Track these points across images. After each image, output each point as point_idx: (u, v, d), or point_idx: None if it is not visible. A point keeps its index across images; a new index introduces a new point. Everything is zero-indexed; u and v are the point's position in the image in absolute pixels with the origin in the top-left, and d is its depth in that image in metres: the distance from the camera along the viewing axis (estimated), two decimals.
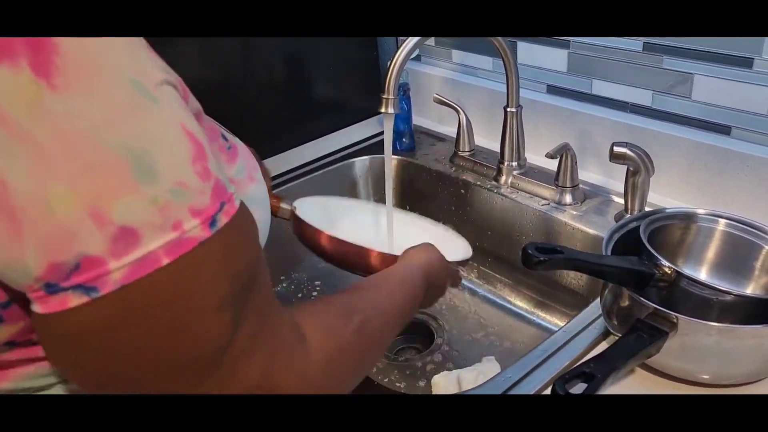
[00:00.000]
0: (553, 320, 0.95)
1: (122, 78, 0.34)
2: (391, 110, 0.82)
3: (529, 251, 0.60)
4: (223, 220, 0.37)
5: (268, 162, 1.14)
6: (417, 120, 1.26)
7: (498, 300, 1.01)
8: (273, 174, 1.08)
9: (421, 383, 0.87)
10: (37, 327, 0.37)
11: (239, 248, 0.40)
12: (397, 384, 0.87)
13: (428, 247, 0.69)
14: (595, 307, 0.73)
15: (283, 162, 1.13)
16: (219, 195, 0.38)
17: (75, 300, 0.34)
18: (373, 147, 1.18)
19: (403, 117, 1.13)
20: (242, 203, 0.41)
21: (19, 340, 0.40)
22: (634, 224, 0.71)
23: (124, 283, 0.34)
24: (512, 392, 0.64)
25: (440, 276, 0.67)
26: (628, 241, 0.70)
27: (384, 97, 0.82)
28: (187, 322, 0.37)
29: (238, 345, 0.39)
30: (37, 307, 0.35)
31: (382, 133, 1.22)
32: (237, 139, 0.59)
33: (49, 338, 0.37)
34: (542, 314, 0.96)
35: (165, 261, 0.35)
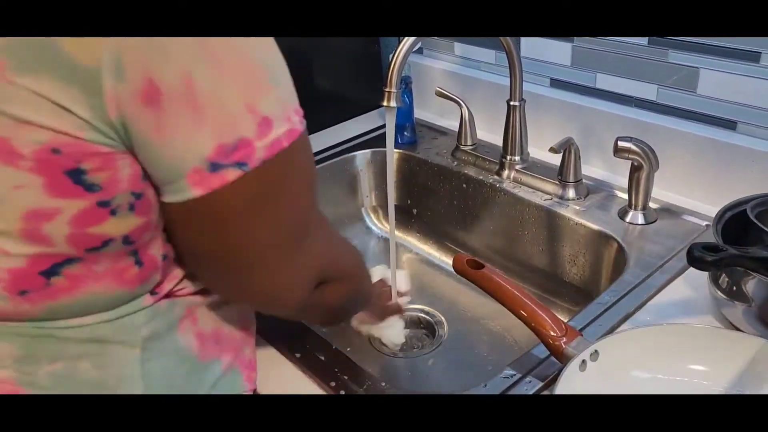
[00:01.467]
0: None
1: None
2: (393, 104, 0.82)
3: (697, 253, 0.58)
4: (305, 122, 0.50)
5: None
6: (419, 113, 1.25)
7: None
8: None
9: (423, 379, 0.87)
10: (184, 214, 0.47)
11: (310, 146, 0.52)
12: (398, 379, 0.87)
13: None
14: (598, 304, 0.73)
15: None
16: (298, 104, 0.50)
17: (232, 175, 0.44)
18: (375, 140, 1.17)
19: (405, 111, 1.12)
20: None
21: (134, 237, 0.47)
22: (729, 213, 0.70)
23: (265, 158, 0.45)
24: (514, 389, 0.63)
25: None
26: (729, 229, 0.69)
27: (387, 90, 0.82)
28: (299, 194, 0.51)
29: (314, 219, 0.54)
30: (193, 192, 0.44)
31: (383, 126, 1.22)
32: None
33: (203, 218, 0.47)
34: None
35: (285, 144, 0.46)
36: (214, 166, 0.44)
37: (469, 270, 0.70)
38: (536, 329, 0.64)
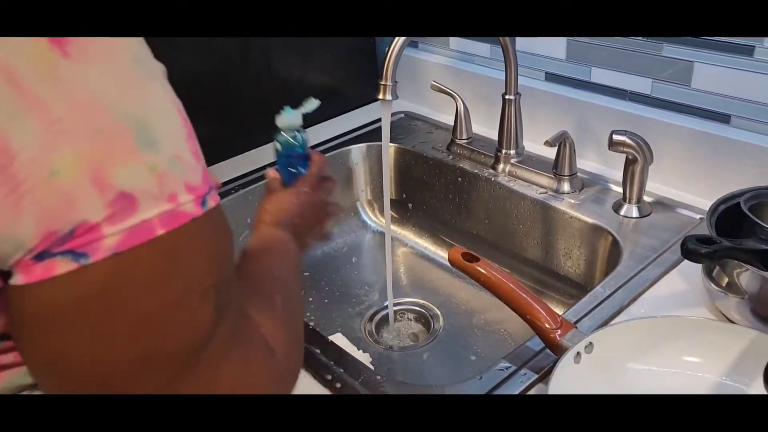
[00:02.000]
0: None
1: (130, 54, 0.35)
2: (389, 97, 0.82)
3: (691, 245, 0.58)
4: (211, 203, 0.38)
5: (265, 148, 1.13)
6: (414, 107, 1.25)
7: None
8: (270, 161, 1.08)
9: (418, 373, 0.87)
10: (13, 302, 0.35)
11: (223, 236, 0.40)
12: (395, 373, 0.87)
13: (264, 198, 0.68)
14: (592, 296, 0.73)
15: None
16: (207, 179, 0.38)
17: (62, 267, 0.33)
18: (370, 135, 1.17)
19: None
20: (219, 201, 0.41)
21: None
22: (723, 206, 0.71)
23: (117, 250, 0.33)
24: (509, 381, 0.63)
25: (290, 216, 0.66)
26: (723, 221, 0.70)
27: (382, 83, 0.82)
28: (174, 304, 0.36)
29: (219, 340, 0.39)
30: (18, 279, 0.33)
31: (379, 120, 1.21)
32: None
33: (24, 315, 0.35)
34: None
35: (160, 231, 0.34)
36: (39, 255, 0.33)
37: (465, 263, 0.71)
38: (531, 322, 0.64)
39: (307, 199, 0.69)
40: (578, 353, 0.61)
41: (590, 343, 0.62)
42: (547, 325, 0.63)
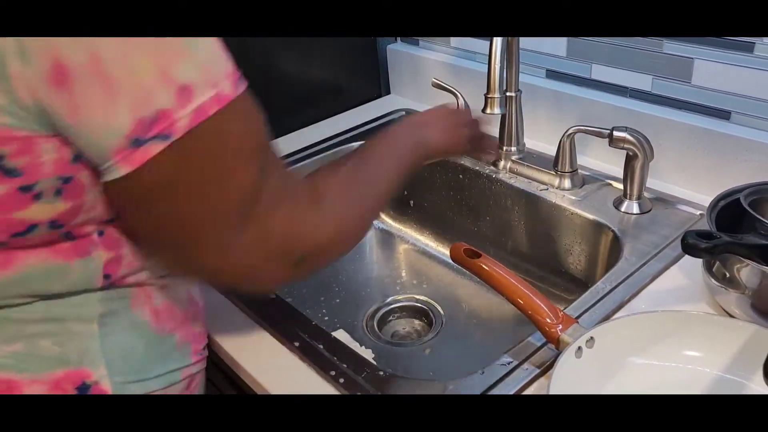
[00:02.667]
0: None
1: None
2: (497, 111, 0.82)
3: (691, 240, 0.59)
4: (242, 85, 0.47)
5: None
6: (415, 105, 1.26)
7: None
8: None
9: (420, 368, 0.88)
10: (119, 193, 0.46)
11: (255, 112, 0.49)
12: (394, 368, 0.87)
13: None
14: (593, 292, 0.74)
15: (280, 147, 1.12)
16: (236, 70, 0.48)
17: (156, 147, 0.43)
18: (372, 132, 1.17)
19: None
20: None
21: (62, 221, 0.47)
22: (723, 202, 0.71)
23: (188, 129, 0.43)
24: (511, 376, 0.64)
25: (432, 119, 0.74)
26: (723, 217, 0.70)
27: (489, 96, 0.82)
28: (235, 166, 0.47)
29: (265, 197, 0.49)
30: (122, 170, 0.43)
31: (381, 117, 1.22)
32: None
33: (134, 196, 0.46)
34: None
35: (212, 111, 0.44)
36: (137, 142, 0.43)
37: (466, 259, 0.71)
38: (532, 317, 0.65)
39: (451, 116, 0.77)
40: (579, 348, 0.61)
41: (591, 337, 0.62)
42: (548, 320, 0.64)
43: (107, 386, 0.54)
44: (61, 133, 0.43)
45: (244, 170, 0.48)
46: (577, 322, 0.64)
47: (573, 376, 0.59)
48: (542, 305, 0.65)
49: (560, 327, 0.63)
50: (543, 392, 0.62)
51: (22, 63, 0.39)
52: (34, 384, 0.52)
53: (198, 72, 0.44)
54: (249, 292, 0.61)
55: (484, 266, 0.70)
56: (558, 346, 0.63)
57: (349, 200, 0.58)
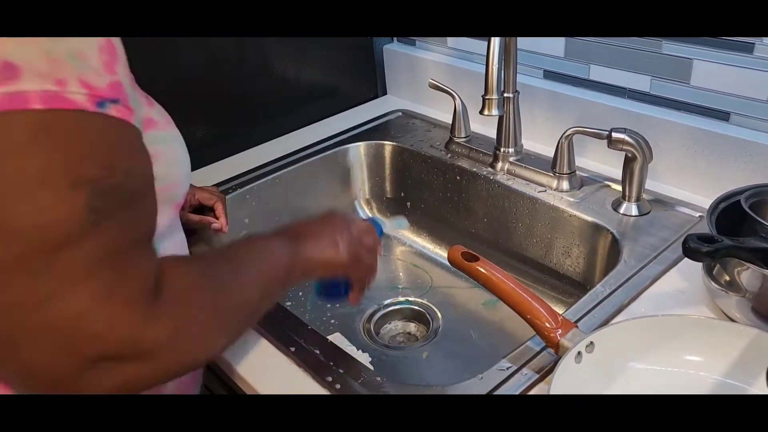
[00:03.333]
0: None
1: None
2: (495, 112, 0.80)
3: (692, 244, 0.58)
4: (113, 111, 0.40)
5: (263, 147, 1.13)
6: (412, 106, 1.25)
7: None
8: (267, 160, 1.07)
9: (417, 373, 0.87)
10: None
11: (126, 151, 0.41)
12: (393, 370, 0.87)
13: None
14: (593, 295, 0.73)
15: (276, 148, 1.11)
16: (116, 92, 0.40)
17: None
18: (368, 133, 1.17)
19: None
20: (139, 132, 0.42)
21: None
22: (723, 204, 0.71)
23: None
24: (510, 381, 0.63)
25: (317, 230, 0.62)
26: (723, 219, 0.69)
27: (487, 98, 0.80)
28: (36, 179, 0.36)
29: (83, 251, 0.37)
30: None
31: (377, 118, 1.21)
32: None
33: None
34: None
35: (36, 106, 0.36)
36: None
37: (464, 262, 0.70)
38: (531, 321, 0.64)
39: (340, 229, 0.64)
40: (579, 353, 0.61)
41: (591, 342, 0.61)
42: (547, 325, 0.63)
43: None
44: None
45: (60, 194, 0.37)
46: (577, 327, 0.63)
47: (573, 382, 0.58)
48: (541, 309, 0.64)
49: (560, 332, 0.62)
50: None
51: None
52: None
53: (39, 58, 0.37)
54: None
55: (481, 269, 0.69)
56: (557, 350, 0.62)
57: (199, 301, 0.45)
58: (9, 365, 0.39)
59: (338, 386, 0.64)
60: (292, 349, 0.69)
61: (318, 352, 0.68)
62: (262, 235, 0.59)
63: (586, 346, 0.61)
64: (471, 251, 0.71)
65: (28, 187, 0.36)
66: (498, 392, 0.62)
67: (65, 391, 0.39)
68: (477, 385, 0.63)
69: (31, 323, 0.36)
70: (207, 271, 0.47)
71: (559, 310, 0.91)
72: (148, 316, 0.39)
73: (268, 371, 0.68)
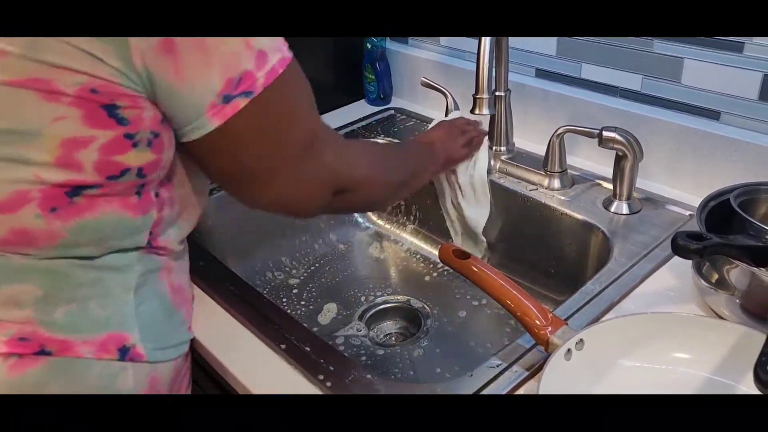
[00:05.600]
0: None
1: None
2: (486, 111, 0.81)
3: (681, 241, 0.58)
4: (291, 51, 0.58)
5: None
6: (404, 104, 1.25)
7: None
8: None
9: (409, 371, 0.87)
10: (208, 146, 0.56)
11: (302, 72, 0.60)
12: (389, 370, 0.87)
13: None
14: (583, 293, 0.73)
15: None
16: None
17: (241, 102, 0.53)
18: (360, 131, 1.17)
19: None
20: None
21: (146, 171, 0.56)
22: (713, 202, 0.71)
23: (265, 85, 0.54)
24: (500, 378, 0.63)
25: (453, 134, 0.93)
26: (713, 218, 0.70)
27: (478, 97, 0.80)
28: (299, 113, 0.59)
29: (320, 135, 0.63)
30: (214, 124, 0.53)
31: (368, 117, 1.21)
32: None
33: (222, 146, 0.56)
34: None
35: (279, 70, 0.55)
36: (226, 98, 0.53)
37: (455, 260, 0.70)
38: (522, 318, 0.64)
39: (453, 127, 0.95)
40: (569, 350, 0.61)
41: (581, 339, 0.62)
42: (537, 322, 0.63)
43: (141, 350, 0.60)
44: (156, 98, 0.52)
45: (306, 115, 0.61)
46: (567, 324, 0.63)
47: (562, 379, 0.59)
48: (532, 307, 0.64)
49: (549, 329, 0.62)
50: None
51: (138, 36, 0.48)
52: (84, 345, 0.57)
53: (268, 39, 0.55)
54: (295, 216, 0.68)
55: (473, 267, 0.69)
56: (547, 348, 0.62)
57: (375, 156, 0.76)
58: (272, 191, 0.61)
59: (329, 384, 0.64)
60: (283, 346, 0.69)
61: (309, 349, 0.68)
62: (411, 142, 0.97)
63: (576, 343, 0.61)
64: (462, 249, 0.71)
65: (297, 116, 0.59)
66: (487, 390, 0.62)
67: (319, 211, 0.67)
68: (467, 383, 0.63)
69: (304, 167, 0.61)
70: (379, 147, 0.90)
71: (549, 307, 0.91)
72: (354, 161, 0.69)
73: (260, 369, 0.68)
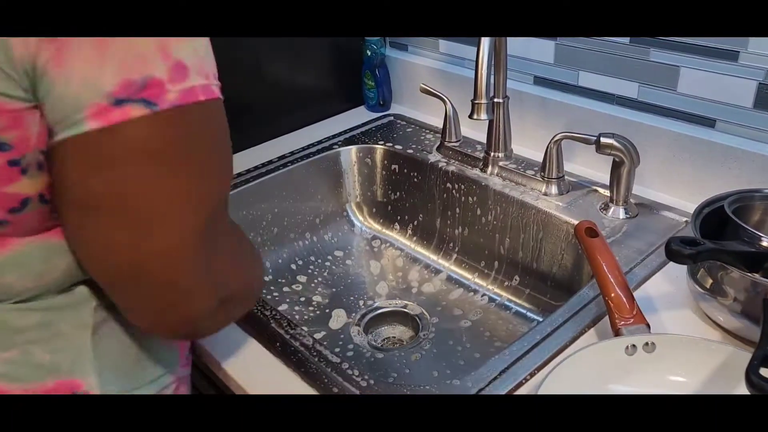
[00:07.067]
0: (537, 310, 0.95)
1: None
2: (484, 116, 0.81)
3: (675, 246, 0.59)
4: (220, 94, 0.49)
5: (254, 150, 1.13)
6: (404, 110, 1.26)
7: (482, 290, 1.01)
8: (258, 163, 1.08)
9: (405, 375, 0.88)
10: (82, 151, 0.43)
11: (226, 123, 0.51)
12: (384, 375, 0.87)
13: None
14: (579, 298, 0.74)
15: (267, 151, 1.12)
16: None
17: (137, 111, 0.43)
18: (360, 137, 1.17)
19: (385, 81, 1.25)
20: None
21: (48, 195, 0.47)
22: (707, 209, 0.72)
23: (177, 104, 0.44)
24: (495, 383, 0.64)
25: None
26: (708, 224, 0.71)
27: (476, 102, 0.80)
28: (213, 168, 0.49)
29: (224, 219, 0.53)
30: (90, 125, 0.42)
31: (368, 122, 1.22)
32: None
33: (99, 157, 0.44)
34: (527, 305, 0.96)
35: (201, 98, 0.46)
36: (118, 101, 0.42)
37: (585, 236, 0.78)
38: (607, 303, 0.68)
39: None
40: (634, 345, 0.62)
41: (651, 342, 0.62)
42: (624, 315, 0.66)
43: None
44: (38, 97, 0.43)
45: (220, 179, 0.49)
46: (647, 325, 0.65)
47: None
48: (622, 296, 0.68)
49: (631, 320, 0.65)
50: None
51: None
52: (26, 394, 0.51)
53: (195, 58, 0.45)
54: (168, 332, 0.54)
55: (595, 246, 0.75)
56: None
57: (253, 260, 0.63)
58: (147, 243, 0.46)
59: (326, 385, 0.64)
60: (279, 347, 0.69)
61: (305, 350, 0.69)
62: None
63: (644, 344, 0.62)
64: (594, 227, 0.79)
65: (215, 170, 0.49)
66: (487, 390, 0.63)
67: (202, 325, 0.53)
68: (463, 388, 0.63)
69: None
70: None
71: (546, 312, 0.92)
72: (247, 268, 0.59)
73: (256, 370, 0.68)
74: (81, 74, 0.42)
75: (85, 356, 0.53)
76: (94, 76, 0.42)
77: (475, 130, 1.10)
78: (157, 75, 0.43)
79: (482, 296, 1.00)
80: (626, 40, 0.91)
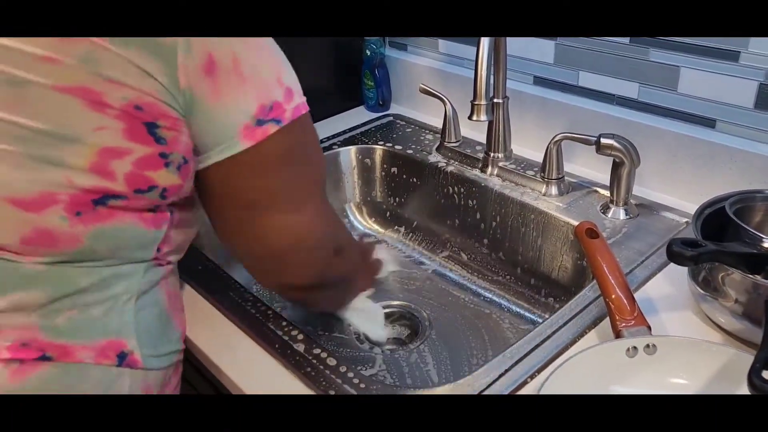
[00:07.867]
0: (538, 311, 0.95)
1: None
2: (483, 117, 0.81)
3: (676, 248, 0.59)
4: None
5: None
6: (403, 110, 1.26)
7: (482, 291, 1.00)
8: None
9: (405, 375, 0.87)
10: (234, 167, 0.59)
11: None
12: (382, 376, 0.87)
13: None
14: (580, 299, 0.74)
15: None
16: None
17: (272, 129, 0.58)
18: (360, 137, 1.17)
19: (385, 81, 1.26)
20: None
21: (168, 193, 0.59)
22: (709, 210, 0.72)
23: (292, 119, 0.59)
24: (497, 383, 0.63)
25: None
26: (709, 225, 0.71)
27: (476, 103, 0.80)
28: (316, 155, 0.67)
29: (323, 190, 0.69)
30: (245, 144, 0.57)
31: (367, 123, 1.22)
32: None
33: (250, 168, 0.59)
34: (527, 306, 0.96)
35: (303, 111, 0.61)
36: (259, 122, 0.57)
37: (585, 237, 0.79)
38: (608, 305, 0.68)
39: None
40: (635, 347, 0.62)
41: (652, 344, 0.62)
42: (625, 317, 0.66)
43: (138, 357, 0.61)
44: (192, 120, 0.55)
45: (321, 160, 0.69)
46: (648, 327, 0.65)
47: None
48: (623, 298, 0.68)
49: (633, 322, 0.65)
50: None
51: (185, 54, 0.52)
52: (84, 350, 0.58)
53: (293, 82, 0.61)
54: (292, 273, 0.68)
55: (595, 248, 0.77)
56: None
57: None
58: (289, 221, 0.64)
59: (324, 385, 0.64)
60: (277, 347, 0.69)
61: (303, 351, 0.69)
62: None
63: (645, 346, 0.62)
64: (595, 228, 0.81)
65: (315, 154, 0.67)
66: (488, 390, 0.62)
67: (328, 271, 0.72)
68: (464, 388, 0.63)
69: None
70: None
71: (546, 313, 0.91)
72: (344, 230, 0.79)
73: (254, 370, 0.68)
74: (232, 102, 0.56)
75: (129, 320, 0.61)
76: (241, 103, 0.56)
77: (474, 131, 1.10)
78: (278, 99, 0.58)
79: (482, 297, 1.00)
80: (626, 40, 0.91)
